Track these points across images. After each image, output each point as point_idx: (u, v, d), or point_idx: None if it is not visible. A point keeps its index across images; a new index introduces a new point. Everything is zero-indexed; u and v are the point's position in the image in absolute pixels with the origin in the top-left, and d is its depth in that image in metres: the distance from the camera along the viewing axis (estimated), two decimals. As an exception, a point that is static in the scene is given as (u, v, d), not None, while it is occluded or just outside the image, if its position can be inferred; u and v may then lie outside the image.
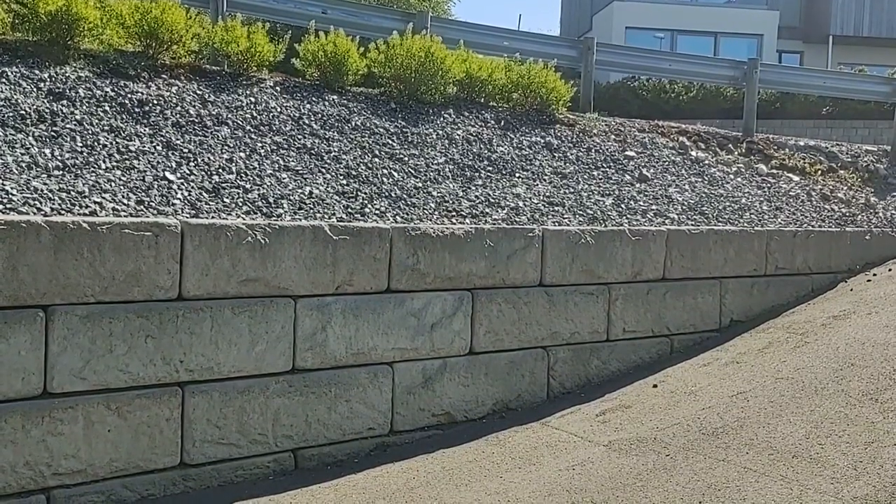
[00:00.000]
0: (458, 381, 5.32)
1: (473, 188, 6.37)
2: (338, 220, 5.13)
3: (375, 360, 4.99)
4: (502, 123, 7.81)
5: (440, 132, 7.16)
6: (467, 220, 5.72)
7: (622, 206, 6.84)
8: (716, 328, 6.55)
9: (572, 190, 6.90)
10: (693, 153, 8.67)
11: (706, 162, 8.58)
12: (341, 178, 5.85)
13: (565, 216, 6.31)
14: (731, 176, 8.40)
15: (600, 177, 7.38)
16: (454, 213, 5.80)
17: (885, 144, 11.00)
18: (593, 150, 7.93)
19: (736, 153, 9.07)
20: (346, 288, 4.87)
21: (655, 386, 5.62)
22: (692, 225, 6.73)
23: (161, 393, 4.29)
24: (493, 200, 6.23)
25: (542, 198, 6.55)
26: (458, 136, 7.20)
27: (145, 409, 4.25)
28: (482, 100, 8.15)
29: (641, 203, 7.02)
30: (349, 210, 5.40)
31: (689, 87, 16.71)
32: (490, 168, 6.84)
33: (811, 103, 16.66)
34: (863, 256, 7.52)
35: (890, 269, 7.27)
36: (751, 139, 9.61)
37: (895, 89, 11.43)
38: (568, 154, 7.66)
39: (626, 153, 8.09)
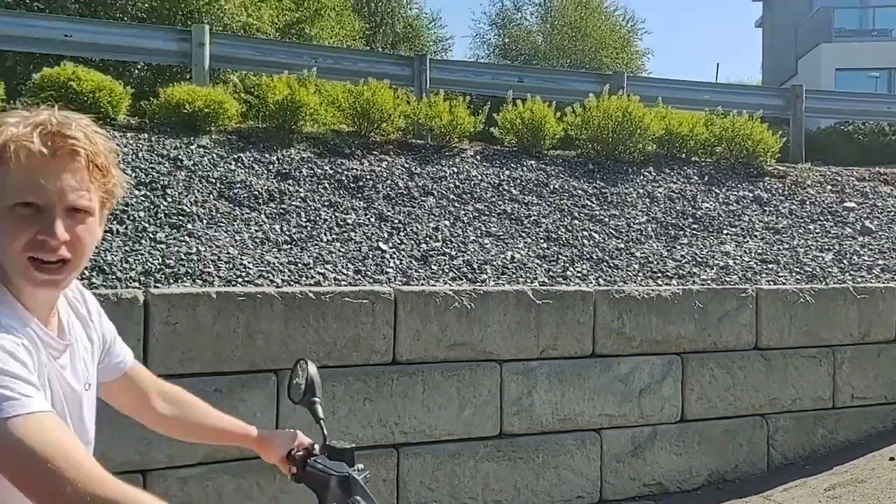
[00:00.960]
0: (670, 450, 5.12)
1: (678, 247, 6.20)
2: (540, 284, 5.18)
3: (582, 425, 4.93)
4: (706, 178, 7.57)
5: (640, 190, 7.06)
6: (673, 281, 5.56)
7: (844, 261, 6.36)
8: (964, 395, 5.86)
9: (787, 245, 6.52)
10: (924, 201, 7.92)
11: (940, 209, 7.80)
12: (541, 241, 5.92)
13: (780, 274, 5.97)
14: (973, 224, 7.57)
15: (817, 231, 6.92)
16: (659, 274, 5.67)
17: None
18: (808, 203, 7.47)
19: (976, 198, 8.17)
20: (551, 352, 4.88)
21: (892, 458, 5.10)
22: (928, 280, 6.12)
23: (378, 454, 4.48)
24: (700, 259, 6.02)
25: (753, 255, 6.24)
26: (659, 194, 7.07)
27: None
28: (683, 155, 7.97)
29: (866, 258, 6.49)
30: (550, 273, 5.44)
31: (912, 128, 15.33)
32: (695, 225, 6.64)
33: None
34: None
35: None
36: None
37: None
38: (780, 207, 7.27)
39: (845, 204, 7.54)
